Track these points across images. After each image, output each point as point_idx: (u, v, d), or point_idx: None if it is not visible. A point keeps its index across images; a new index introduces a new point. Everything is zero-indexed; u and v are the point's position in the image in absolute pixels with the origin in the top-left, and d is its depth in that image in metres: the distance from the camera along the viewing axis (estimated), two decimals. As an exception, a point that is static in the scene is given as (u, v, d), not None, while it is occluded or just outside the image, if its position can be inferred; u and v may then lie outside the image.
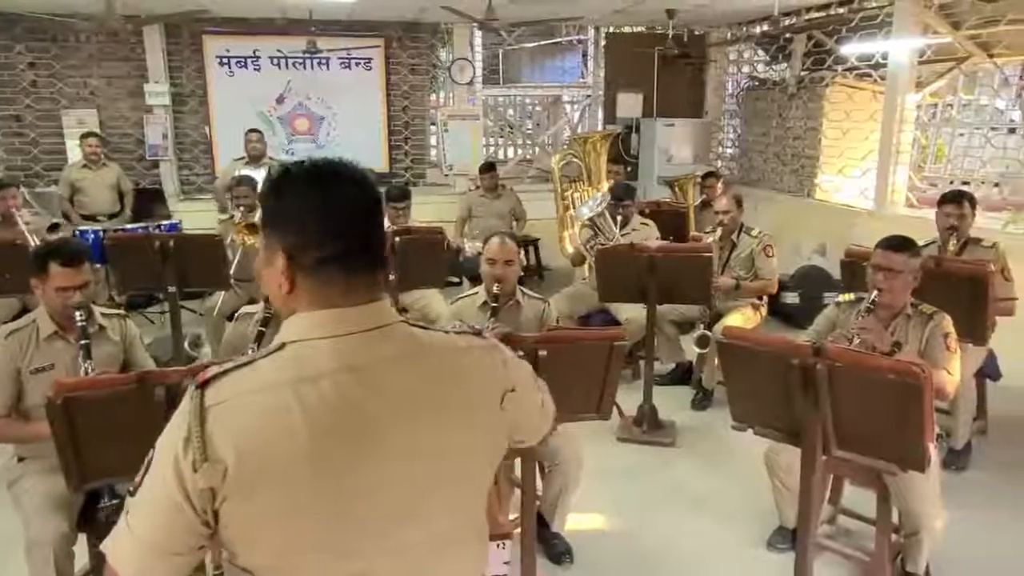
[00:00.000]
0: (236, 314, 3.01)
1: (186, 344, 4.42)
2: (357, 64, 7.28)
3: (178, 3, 5.47)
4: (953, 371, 2.63)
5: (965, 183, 8.01)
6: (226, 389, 0.91)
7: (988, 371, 3.67)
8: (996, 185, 8.17)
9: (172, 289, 4.08)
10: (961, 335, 3.04)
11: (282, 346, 0.95)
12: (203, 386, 0.91)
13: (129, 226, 5.62)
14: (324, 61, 7.13)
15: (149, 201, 6.67)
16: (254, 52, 7.06)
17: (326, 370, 0.92)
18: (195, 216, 6.40)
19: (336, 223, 0.97)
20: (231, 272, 4.32)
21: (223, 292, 4.48)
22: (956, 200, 3.69)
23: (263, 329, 2.75)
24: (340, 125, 7.34)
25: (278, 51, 7.08)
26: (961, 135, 8.30)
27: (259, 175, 5.36)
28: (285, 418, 0.89)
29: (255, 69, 7.10)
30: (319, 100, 7.29)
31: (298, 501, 0.90)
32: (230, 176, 5.54)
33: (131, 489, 0.94)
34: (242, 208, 4.80)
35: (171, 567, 0.93)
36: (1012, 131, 7.72)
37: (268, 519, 0.90)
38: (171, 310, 4.22)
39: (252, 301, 3.56)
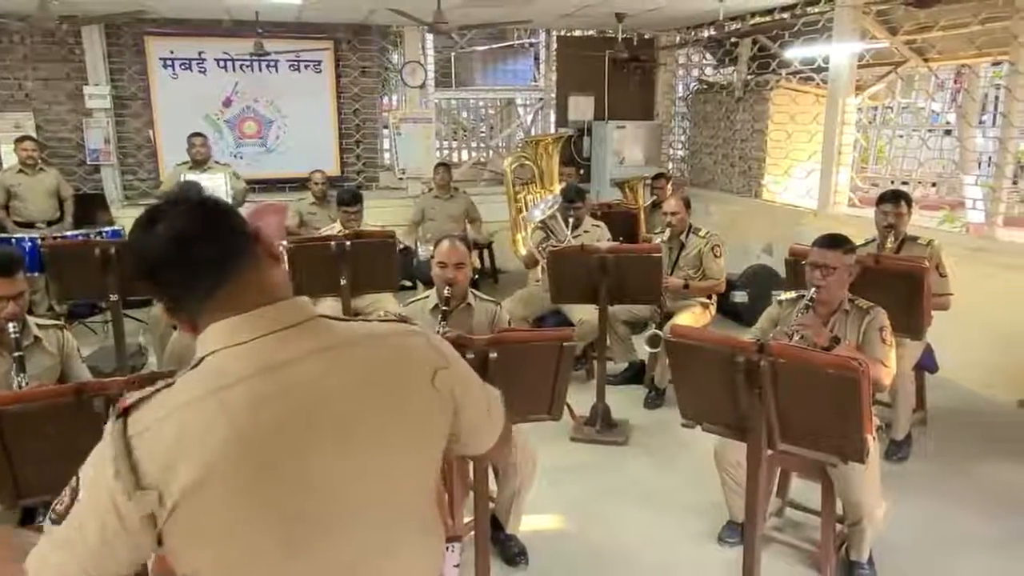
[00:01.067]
0: (180, 322, 2.93)
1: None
2: (306, 66, 7.18)
3: (117, 3, 5.32)
4: (889, 363, 2.72)
5: (904, 183, 8.31)
6: (146, 415, 0.90)
7: (926, 364, 3.80)
8: (933, 185, 8.50)
9: (114, 298, 3.96)
10: (899, 330, 3.15)
11: (200, 361, 0.94)
12: (124, 414, 0.90)
13: (69, 233, 5.43)
14: (272, 63, 7.01)
15: (91, 207, 6.46)
16: (199, 54, 6.90)
17: (246, 374, 0.91)
18: (139, 222, 6.22)
19: (173, 252, 0.95)
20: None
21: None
22: (893, 199, 3.82)
23: None
24: (289, 128, 7.23)
25: (224, 53, 6.93)
26: (900, 137, 8.63)
27: (205, 180, 5.25)
28: (211, 430, 0.88)
29: (201, 71, 6.94)
30: (268, 103, 7.16)
31: (228, 510, 0.89)
32: (174, 181, 5.41)
33: (53, 516, 0.92)
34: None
35: None
36: (948, 133, 8.04)
37: (203, 531, 0.89)
38: (114, 320, 4.09)
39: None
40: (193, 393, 0.90)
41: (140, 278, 0.97)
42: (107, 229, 5.85)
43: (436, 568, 1.12)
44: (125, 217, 6.56)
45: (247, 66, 6.98)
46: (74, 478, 0.92)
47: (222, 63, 6.96)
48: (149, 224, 0.97)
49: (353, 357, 1.00)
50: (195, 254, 0.96)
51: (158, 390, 0.92)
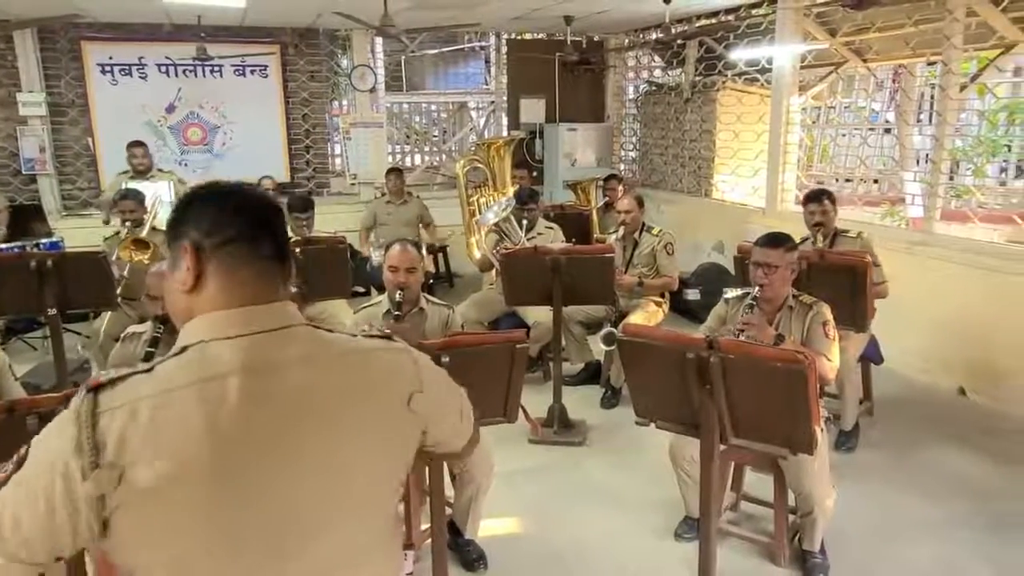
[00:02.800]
0: (123, 334, 2.84)
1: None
2: (252, 71, 7.04)
3: (50, 7, 5.13)
4: (833, 357, 2.78)
5: (848, 180, 8.55)
6: (121, 394, 0.87)
7: (871, 356, 3.91)
8: (875, 181, 8.77)
9: (52, 311, 3.80)
10: (844, 323, 3.23)
11: (183, 349, 0.92)
12: (95, 390, 0.87)
13: (3, 245, 5.21)
14: (216, 68, 6.86)
15: (27, 218, 6.23)
16: (139, 59, 6.71)
17: (229, 370, 0.90)
18: (80, 233, 6.00)
19: (239, 211, 0.99)
20: (118, 291, 4.08)
21: (110, 312, 4.22)
22: (818, 199, 3.96)
23: (152, 350, 2.60)
24: (236, 134, 7.07)
25: (166, 58, 6.75)
26: (843, 136, 8.87)
27: (148, 188, 5.10)
28: (185, 422, 0.86)
29: (141, 77, 6.74)
30: (212, 109, 7.00)
31: (195, 509, 0.87)
32: (116, 191, 5.23)
33: None
34: (128, 223, 4.55)
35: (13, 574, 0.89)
36: (887, 131, 8.31)
37: (164, 528, 0.87)
38: (52, 334, 3.93)
39: (142, 321, 3.37)
40: (173, 381, 0.88)
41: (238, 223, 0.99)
42: (44, 240, 5.64)
43: (399, 573, 1.13)
44: (64, 228, 6.34)
45: (190, 71, 6.82)
46: (23, 448, 0.89)
47: (163, 68, 6.78)
48: (243, 191, 1.03)
49: (335, 369, 0.99)
50: (274, 230, 1.01)
51: (135, 372, 0.90)
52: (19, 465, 0.88)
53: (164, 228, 4.59)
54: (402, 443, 1.07)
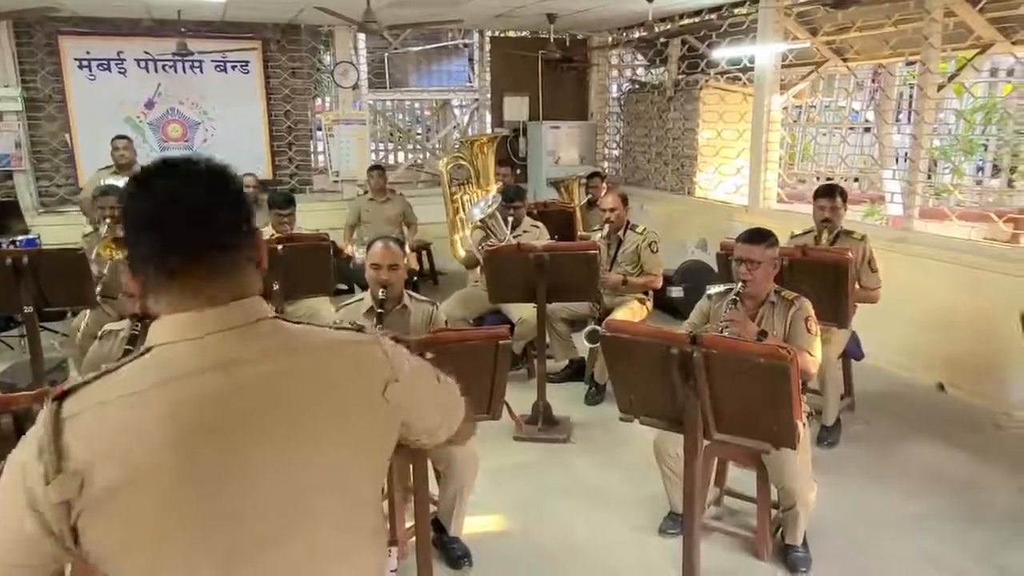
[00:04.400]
0: (100, 332, 2.80)
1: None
2: (233, 67, 6.97)
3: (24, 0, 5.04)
4: (814, 352, 2.81)
5: (829, 179, 8.63)
6: (85, 399, 0.86)
7: (852, 352, 3.95)
8: (856, 180, 8.85)
9: (29, 310, 3.74)
10: (826, 319, 3.26)
11: (147, 351, 0.91)
12: (60, 398, 0.86)
13: (-22, 243, 5.12)
14: (197, 64, 6.78)
15: (3, 215, 6.11)
16: (118, 54, 6.61)
17: (191, 370, 0.89)
18: (58, 230, 5.92)
19: (163, 231, 0.92)
20: (97, 289, 4.02)
21: (89, 311, 4.16)
22: (829, 194, 3.96)
23: (130, 348, 2.57)
24: (217, 131, 7.00)
25: (145, 53, 6.66)
26: (823, 135, 8.96)
27: (127, 184, 5.02)
28: (148, 423, 0.85)
29: (120, 72, 6.65)
30: (193, 105, 6.92)
31: (164, 512, 0.85)
32: (95, 187, 5.15)
33: None
34: (108, 220, 4.48)
35: None
36: (867, 130, 8.39)
37: (133, 533, 0.85)
38: (29, 333, 3.86)
39: (121, 319, 3.32)
40: (136, 384, 0.87)
41: (124, 242, 0.95)
42: (21, 238, 5.56)
43: (380, 571, 1.11)
44: (40, 225, 6.24)
45: (170, 67, 6.74)
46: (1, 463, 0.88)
47: (143, 64, 6.69)
48: (145, 181, 0.95)
49: (305, 362, 0.97)
50: (184, 221, 0.92)
51: (99, 375, 0.89)
52: None
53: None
54: (378, 435, 1.04)
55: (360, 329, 1.08)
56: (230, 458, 0.89)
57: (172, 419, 0.85)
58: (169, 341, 0.91)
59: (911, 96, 7.92)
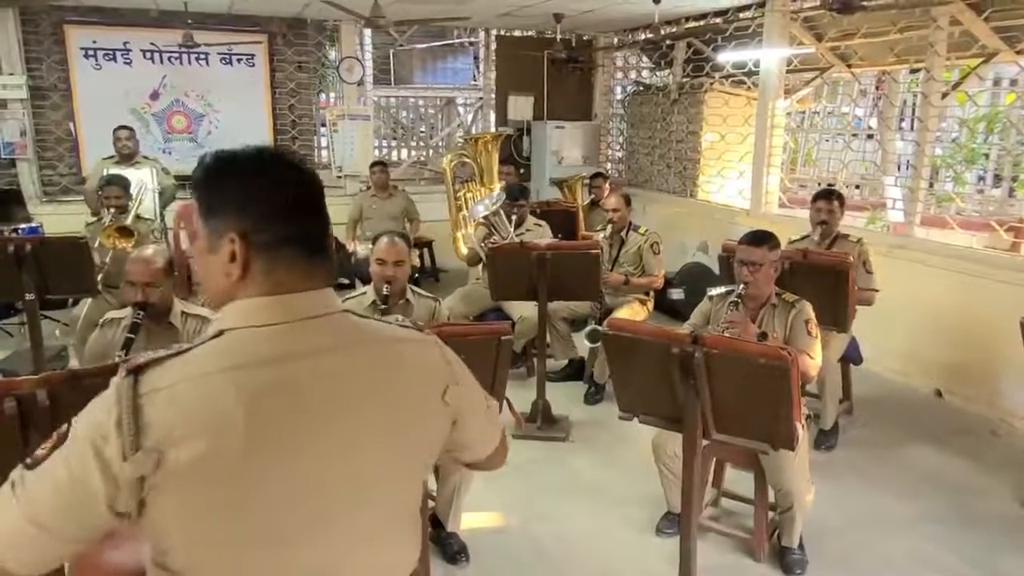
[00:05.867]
0: (102, 320, 2.81)
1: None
2: (239, 60, 6.97)
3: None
4: (814, 355, 2.82)
5: (831, 184, 8.64)
6: (162, 377, 0.88)
7: (851, 356, 3.96)
8: (857, 187, 8.87)
9: (30, 297, 3.74)
10: (826, 323, 3.27)
11: (220, 334, 0.92)
12: (136, 372, 0.87)
13: (-20, 230, 5.13)
14: (202, 56, 6.78)
15: (5, 203, 6.12)
16: (124, 44, 6.61)
17: (265, 358, 0.91)
18: (60, 219, 5.92)
19: (292, 202, 0.96)
20: (99, 278, 4.03)
21: (90, 300, 4.16)
22: (827, 197, 3.98)
23: (132, 336, 2.58)
24: (222, 124, 7.00)
25: (151, 44, 6.66)
26: (826, 140, 8.97)
27: (131, 174, 5.03)
28: (223, 407, 0.87)
29: (126, 63, 6.65)
30: (198, 97, 6.92)
31: (231, 489, 0.88)
32: (98, 176, 5.16)
33: (29, 462, 0.89)
34: (112, 210, 4.49)
35: (42, 549, 0.89)
36: (870, 137, 8.41)
37: (200, 512, 0.88)
38: (30, 321, 3.87)
39: (123, 308, 3.33)
40: (210, 366, 0.89)
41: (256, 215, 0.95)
42: (23, 226, 5.57)
43: (415, 560, 1.13)
44: (43, 214, 6.25)
45: (175, 58, 6.74)
46: (65, 426, 0.89)
47: (148, 54, 6.70)
48: (289, 166, 0.98)
49: (374, 356, 1.00)
50: (323, 224, 1.00)
51: (171, 355, 0.90)
52: (61, 441, 0.88)
53: (148, 216, 4.53)
54: (432, 434, 1.07)
55: (420, 328, 1.10)
56: (296, 448, 0.91)
57: (246, 403, 0.88)
58: (243, 326, 0.93)
59: (914, 104, 7.94)
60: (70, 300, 4.68)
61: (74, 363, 4.42)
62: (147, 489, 0.86)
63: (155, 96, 6.81)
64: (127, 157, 5.46)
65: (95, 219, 4.69)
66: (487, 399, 1.20)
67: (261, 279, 0.94)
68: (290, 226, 0.95)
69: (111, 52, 6.60)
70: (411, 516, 1.09)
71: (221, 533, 0.90)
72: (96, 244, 4.19)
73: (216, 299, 0.99)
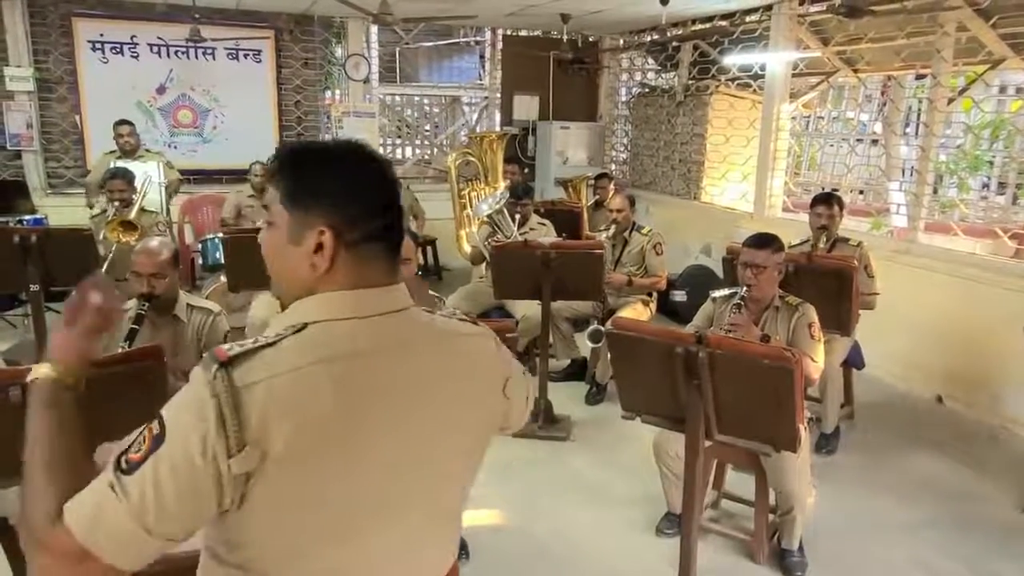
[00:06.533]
0: (107, 312, 2.81)
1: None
2: (245, 55, 6.98)
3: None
4: (817, 358, 2.82)
5: (835, 189, 8.64)
6: (257, 369, 0.87)
7: (853, 361, 3.96)
8: (861, 192, 8.87)
9: (35, 288, 3.75)
10: (829, 326, 3.27)
11: (304, 326, 0.92)
12: (227, 364, 0.86)
13: (-15, 221, 5.14)
14: (209, 51, 6.79)
15: (10, 194, 6.14)
16: (131, 38, 6.62)
17: (354, 351, 0.92)
18: (65, 211, 5.93)
19: (380, 198, 0.98)
20: (103, 270, 4.04)
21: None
22: (826, 201, 3.97)
23: (136, 327, 2.58)
24: (227, 119, 7.01)
25: (158, 38, 6.67)
26: (831, 145, 8.97)
27: (136, 167, 5.04)
28: (319, 400, 0.88)
29: (133, 56, 6.66)
30: (204, 92, 6.93)
31: (323, 484, 0.90)
32: (102, 170, 5.17)
33: (124, 466, 0.85)
34: (117, 203, 4.50)
35: (147, 547, 0.86)
36: (874, 142, 8.41)
37: (290, 504, 0.89)
38: (34, 312, 3.88)
39: (128, 299, 3.33)
40: (302, 358, 0.89)
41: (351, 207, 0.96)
42: (28, 217, 5.58)
43: (455, 553, 1.17)
44: (48, 206, 6.26)
45: (182, 52, 6.75)
46: (154, 423, 0.87)
47: (155, 48, 6.71)
48: (369, 158, 1.00)
49: (443, 354, 1.02)
50: (401, 217, 1.02)
51: (261, 346, 0.89)
52: (156, 443, 0.85)
53: (152, 209, 4.53)
54: (491, 427, 1.12)
55: (475, 321, 1.13)
56: (381, 436, 0.93)
57: (340, 395, 0.89)
58: (330, 318, 0.93)
59: (919, 110, 7.94)
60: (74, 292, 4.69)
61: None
62: (250, 484, 0.86)
63: (161, 90, 6.82)
64: (128, 152, 5.46)
65: (100, 211, 4.70)
66: (526, 374, 1.24)
67: (346, 273, 0.95)
68: (379, 224, 0.97)
69: (118, 45, 6.62)
70: (459, 514, 1.14)
71: (302, 524, 0.91)
72: (100, 236, 4.19)
73: (292, 290, 0.98)
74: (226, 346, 0.89)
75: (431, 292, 3.19)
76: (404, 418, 0.96)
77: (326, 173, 0.97)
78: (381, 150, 7.83)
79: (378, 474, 0.95)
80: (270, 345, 0.89)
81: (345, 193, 0.96)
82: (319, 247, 0.94)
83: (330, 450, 0.89)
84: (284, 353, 0.89)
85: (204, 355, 0.88)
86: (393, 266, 1.00)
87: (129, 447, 0.87)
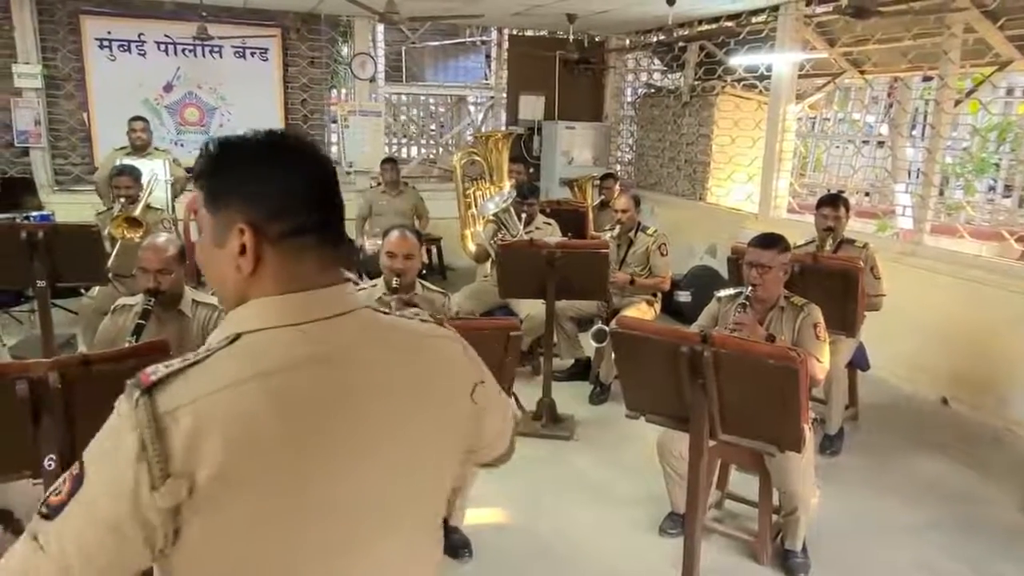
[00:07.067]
0: (113, 306, 2.83)
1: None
2: (252, 54, 7.00)
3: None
4: (823, 358, 2.82)
5: (840, 191, 8.62)
6: (182, 391, 0.78)
7: (858, 362, 3.95)
8: (867, 194, 8.85)
9: (41, 284, 3.76)
10: (834, 327, 3.27)
11: (236, 337, 0.83)
12: (151, 389, 0.78)
13: (-7, 217, 5.16)
14: (216, 49, 6.81)
15: (17, 191, 6.16)
16: (139, 36, 6.65)
17: (294, 362, 0.83)
18: (72, 208, 5.95)
19: (306, 189, 0.88)
20: (109, 266, 4.05)
21: (98, 288, 4.19)
22: (832, 203, 3.96)
23: (143, 322, 2.59)
24: (234, 117, 7.03)
25: (166, 36, 6.70)
26: (836, 147, 8.95)
27: (144, 165, 5.06)
28: (253, 419, 0.79)
29: (140, 54, 6.69)
30: (211, 90, 6.95)
31: (273, 506, 0.81)
32: (111, 166, 5.19)
33: (45, 511, 0.79)
34: (123, 200, 4.52)
35: None
36: (880, 144, 8.39)
37: (234, 533, 0.80)
38: (40, 307, 3.89)
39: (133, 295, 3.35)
40: (234, 374, 0.80)
41: (265, 204, 0.86)
42: (35, 214, 5.61)
43: (438, 566, 1.07)
44: (55, 203, 6.28)
45: (189, 51, 6.77)
46: (76, 465, 0.79)
47: (163, 46, 6.73)
48: (299, 150, 0.91)
49: (403, 357, 0.92)
50: (337, 212, 0.92)
51: (187, 365, 0.80)
52: (76, 484, 0.78)
53: (158, 206, 4.54)
54: (462, 436, 1.00)
55: (440, 323, 1.02)
56: (332, 458, 0.83)
57: (275, 416, 0.80)
58: (265, 327, 0.84)
59: (926, 112, 7.91)
60: (81, 288, 4.70)
61: (82, 350, 4.45)
62: (182, 519, 0.77)
63: (168, 88, 6.84)
64: (140, 148, 5.49)
65: (106, 208, 4.72)
66: (500, 392, 1.12)
67: (275, 274, 0.86)
68: (303, 215, 0.87)
69: (126, 43, 6.64)
70: (437, 522, 1.02)
71: (247, 559, 0.82)
72: (105, 232, 4.21)
73: (228, 299, 0.90)
74: (151, 368, 0.80)
75: (436, 288, 3.20)
76: (359, 431, 0.85)
77: (242, 167, 0.89)
78: (387, 149, 7.84)
79: (343, 488, 0.85)
80: (199, 362, 0.81)
81: (264, 184, 0.87)
82: (242, 248, 0.85)
83: (273, 475, 0.79)
84: (213, 370, 0.81)
85: (128, 380, 0.79)
86: (333, 264, 0.90)
87: (52, 489, 0.80)
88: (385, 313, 0.96)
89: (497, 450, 1.13)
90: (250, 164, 0.89)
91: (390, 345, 0.92)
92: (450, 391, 0.97)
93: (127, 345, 2.42)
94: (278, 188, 0.87)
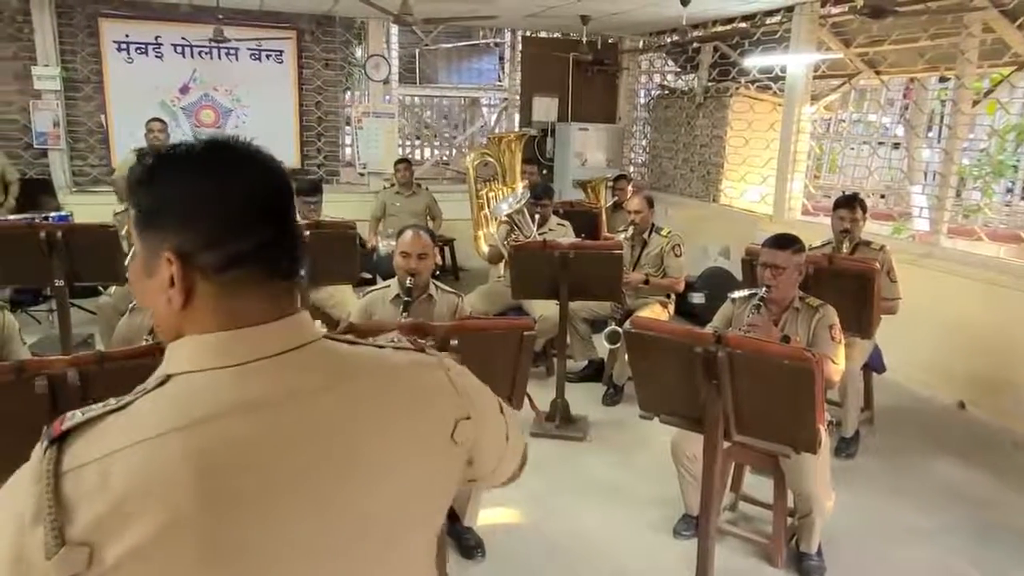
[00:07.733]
0: (131, 305, 2.85)
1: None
2: (268, 56, 7.06)
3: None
4: (838, 360, 2.80)
5: (856, 193, 8.54)
6: (90, 446, 0.67)
7: (874, 365, 3.92)
8: (883, 196, 8.78)
9: (60, 283, 3.81)
10: (850, 329, 3.25)
11: (165, 380, 0.73)
12: (59, 440, 0.67)
13: (11, 216, 5.23)
14: (232, 51, 6.87)
15: (36, 192, 6.24)
16: (156, 39, 6.72)
17: (225, 410, 0.71)
18: (89, 209, 6.00)
19: (248, 208, 0.75)
20: (126, 265, 4.10)
21: (115, 287, 4.24)
22: (849, 204, 3.92)
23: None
24: (249, 119, 7.08)
25: (182, 39, 6.76)
26: (852, 148, 8.89)
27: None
28: (169, 480, 0.67)
29: (157, 56, 6.76)
30: (227, 92, 7.01)
31: None
32: (127, 168, 5.25)
33: None
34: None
35: None
36: (896, 146, 8.33)
37: None
38: (59, 306, 3.95)
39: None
40: (154, 426, 0.69)
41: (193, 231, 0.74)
42: (53, 214, 5.67)
43: None
44: (73, 204, 6.35)
45: (206, 53, 6.83)
46: None
47: (179, 49, 6.80)
48: (243, 161, 0.78)
49: (361, 397, 0.79)
50: (286, 232, 0.78)
51: (108, 411, 0.70)
52: None
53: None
54: (441, 480, 0.87)
55: (421, 349, 0.91)
56: (267, 524, 0.71)
57: (195, 476, 0.68)
58: (196, 369, 0.73)
59: (942, 113, 7.84)
60: (100, 287, 4.75)
61: (100, 348, 4.50)
62: None
63: (185, 90, 6.90)
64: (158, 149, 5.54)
65: (123, 208, 4.77)
66: (504, 409, 0.99)
67: (210, 310, 0.75)
68: (243, 241, 0.74)
69: (143, 46, 6.71)
70: (427, 567, 0.90)
71: None
72: (123, 232, 4.25)
73: (164, 332, 0.79)
74: (70, 413, 0.70)
75: (450, 289, 3.21)
76: (302, 487, 0.73)
77: (173, 184, 0.76)
78: (400, 151, 7.87)
79: (287, 555, 0.72)
80: (121, 408, 0.70)
81: (198, 204, 0.74)
82: (171, 280, 0.74)
83: (203, 540, 0.67)
84: (133, 420, 0.70)
85: (45, 427, 0.70)
86: (284, 293, 0.78)
87: None
88: (350, 343, 0.84)
89: (504, 475, 1.03)
90: (184, 181, 0.76)
91: (350, 381, 0.79)
92: (422, 431, 0.84)
93: (144, 343, 2.44)
94: (214, 210, 0.74)
